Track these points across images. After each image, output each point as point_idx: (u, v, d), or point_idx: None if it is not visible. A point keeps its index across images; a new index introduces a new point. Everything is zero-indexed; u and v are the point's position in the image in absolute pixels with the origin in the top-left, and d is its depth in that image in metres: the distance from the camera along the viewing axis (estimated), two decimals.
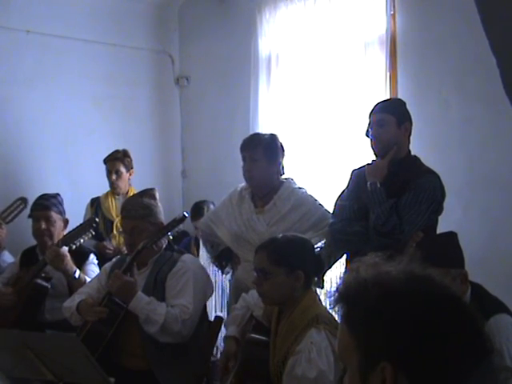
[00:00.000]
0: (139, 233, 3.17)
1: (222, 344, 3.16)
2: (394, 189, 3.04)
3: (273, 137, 3.54)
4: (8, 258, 4.12)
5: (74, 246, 3.58)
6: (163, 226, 3.21)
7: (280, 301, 2.60)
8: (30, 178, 5.04)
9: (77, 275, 3.56)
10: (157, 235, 3.17)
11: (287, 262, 2.58)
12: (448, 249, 2.51)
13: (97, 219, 3.79)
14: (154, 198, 3.30)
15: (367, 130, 3.18)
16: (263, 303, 2.75)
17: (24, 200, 4.11)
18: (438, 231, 3.08)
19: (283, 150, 3.55)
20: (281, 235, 2.73)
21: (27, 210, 4.00)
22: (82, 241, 3.61)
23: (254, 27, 5.08)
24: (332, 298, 1.25)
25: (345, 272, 3.39)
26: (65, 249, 3.55)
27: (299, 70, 4.84)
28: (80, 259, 3.67)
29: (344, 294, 1.22)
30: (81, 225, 3.74)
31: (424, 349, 1.12)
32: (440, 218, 3.13)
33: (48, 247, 3.67)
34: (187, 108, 6.05)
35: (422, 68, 4.21)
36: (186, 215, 3.25)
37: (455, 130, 4.05)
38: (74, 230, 3.70)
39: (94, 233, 3.69)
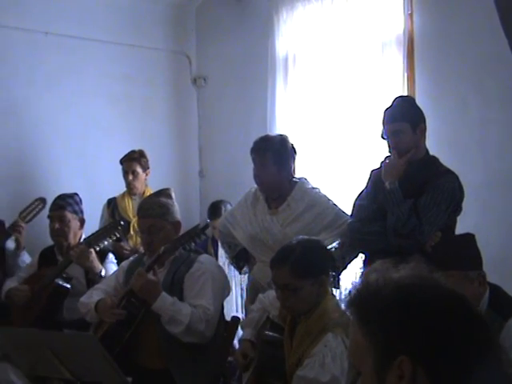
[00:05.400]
0: (156, 231, 3.17)
1: (238, 345, 3.15)
2: (413, 189, 3.02)
3: (282, 140, 3.48)
4: (27, 258, 4.14)
5: (97, 248, 3.58)
6: (187, 233, 3.15)
7: (308, 309, 2.55)
8: (47, 179, 5.06)
9: (103, 273, 3.58)
10: (180, 242, 3.12)
11: (312, 272, 2.55)
12: (465, 251, 2.50)
13: (122, 222, 3.74)
14: (170, 197, 3.30)
15: (382, 132, 3.17)
16: (289, 314, 2.68)
17: (43, 200, 4.13)
18: (456, 232, 3.06)
19: (295, 152, 3.50)
20: (294, 242, 2.66)
21: (46, 211, 4.02)
22: (105, 243, 3.61)
23: (271, 27, 5.08)
24: (345, 302, 1.28)
25: (361, 274, 3.38)
26: None
27: (316, 70, 4.83)
28: (99, 259, 3.66)
29: (357, 296, 1.24)
30: (105, 227, 3.76)
31: (440, 341, 1.14)
32: (457, 219, 3.11)
33: (71, 247, 3.68)
34: (204, 108, 6.06)
35: (440, 68, 4.18)
36: (209, 221, 3.22)
37: (473, 130, 4.02)
38: (97, 231, 3.71)
39: (118, 235, 3.68)
